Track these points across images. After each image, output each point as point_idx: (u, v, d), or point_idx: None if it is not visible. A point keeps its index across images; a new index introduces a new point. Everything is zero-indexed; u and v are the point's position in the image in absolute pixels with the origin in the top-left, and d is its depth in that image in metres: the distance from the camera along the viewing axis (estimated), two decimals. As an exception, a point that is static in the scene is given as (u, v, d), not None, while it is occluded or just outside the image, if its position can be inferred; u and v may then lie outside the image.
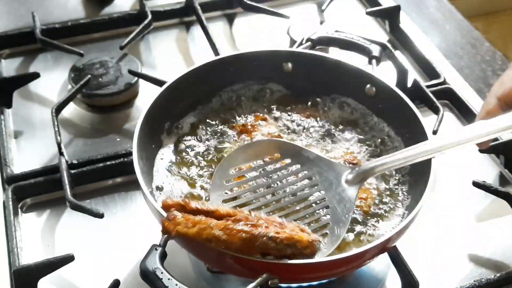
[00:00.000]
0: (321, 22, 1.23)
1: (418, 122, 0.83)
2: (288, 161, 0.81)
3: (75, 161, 0.92)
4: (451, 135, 0.77)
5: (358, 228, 0.77)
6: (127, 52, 1.12)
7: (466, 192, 0.91)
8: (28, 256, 0.83)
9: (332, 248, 0.74)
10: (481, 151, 0.95)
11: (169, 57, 1.16)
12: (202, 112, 0.92)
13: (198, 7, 1.19)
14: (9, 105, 1.03)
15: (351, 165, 0.83)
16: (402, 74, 1.03)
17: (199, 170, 0.84)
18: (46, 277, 0.77)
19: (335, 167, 0.80)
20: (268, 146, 0.83)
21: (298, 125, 0.91)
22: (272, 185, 0.80)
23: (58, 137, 0.93)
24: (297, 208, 0.78)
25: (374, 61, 0.95)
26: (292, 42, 1.14)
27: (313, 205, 0.78)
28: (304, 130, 0.90)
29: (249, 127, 0.89)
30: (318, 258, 0.72)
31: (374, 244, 0.70)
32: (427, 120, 0.86)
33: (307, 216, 0.77)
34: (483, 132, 0.75)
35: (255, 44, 1.17)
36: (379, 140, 0.89)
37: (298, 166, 0.81)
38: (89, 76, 1.05)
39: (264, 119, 0.91)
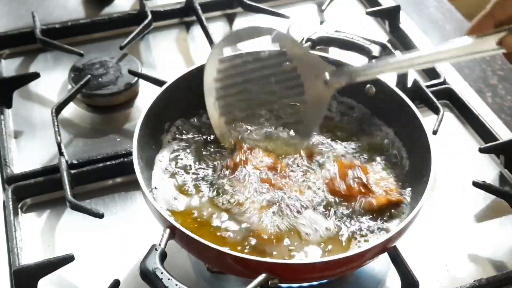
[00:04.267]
0: (321, 22, 1.23)
1: (418, 122, 0.83)
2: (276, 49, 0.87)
3: (75, 161, 0.92)
4: (438, 46, 0.79)
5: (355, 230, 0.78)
6: (127, 52, 1.12)
7: (466, 192, 0.91)
8: (28, 256, 0.83)
9: (304, 142, 0.84)
10: (481, 151, 0.95)
11: (169, 57, 1.16)
12: (201, 114, 0.92)
13: (198, 7, 1.19)
14: (9, 105, 1.03)
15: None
16: (402, 74, 1.03)
17: (198, 170, 0.84)
18: (46, 277, 0.77)
19: (319, 63, 0.84)
20: (253, 33, 0.87)
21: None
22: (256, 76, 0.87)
23: (58, 137, 0.93)
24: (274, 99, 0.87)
25: (374, 61, 0.95)
26: (292, 42, 1.13)
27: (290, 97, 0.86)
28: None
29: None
30: (318, 258, 0.72)
31: (374, 244, 0.70)
32: (427, 120, 0.86)
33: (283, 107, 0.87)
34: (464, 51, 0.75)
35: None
36: (379, 140, 0.89)
37: (284, 57, 0.86)
38: (89, 76, 1.05)
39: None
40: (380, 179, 0.82)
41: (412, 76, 1.04)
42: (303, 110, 0.86)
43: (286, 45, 0.86)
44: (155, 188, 0.81)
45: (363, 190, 0.79)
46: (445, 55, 0.77)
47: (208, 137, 0.88)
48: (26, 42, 1.15)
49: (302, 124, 0.86)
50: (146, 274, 0.65)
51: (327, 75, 0.83)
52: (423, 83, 1.03)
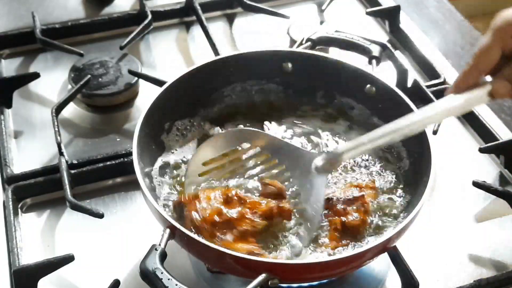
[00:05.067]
0: (321, 22, 1.23)
1: (418, 122, 0.82)
2: (258, 149, 0.83)
3: (75, 161, 0.92)
4: (426, 109, 0.75)
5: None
6: (127, 52, 1.12)
7: (466, 192, 0.91)
8: (28, 256, 0.83)
9: (307, 241, 0.76)
10: (481, 151, 0.95)
11: (169, 57, 1.16)
12: (201, 114, 0.92)
13: (198, 7, 1.19)
14: (9, 105, 1.03)
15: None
16: (402, 74, 1.03)
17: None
18: (46, 277, 0.77)
19: (304, 154, 0.81)
20: (237, 136, 0.84)
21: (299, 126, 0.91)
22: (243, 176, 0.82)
23: (58, 137, 0.93)
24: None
25: (374, 61, 0.95)
26: (292, 42, 1.14)
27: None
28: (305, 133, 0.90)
29: None
30: (318, 258, 0.72)
31: (374, 244, 0.70)
32: (427, 120, 0.86)
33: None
34: (459, 103, 0.72)
35: (255, 44, 1.17)
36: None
37: (268, 155, 0.83)
38: (89, 76, 1.05)
39: None
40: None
41: (412, 76, 1.04)
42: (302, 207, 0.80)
43: (262, 143, 0.83)
44: (157, 186, 0.81)
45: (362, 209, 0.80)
46: (434, 119, 0.76)
47: (208, 137, 0.89)
48: (26, 42, 1.15)
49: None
50: (146, 274, 0.65)
51: (317, 162, 0.79)
52: (423, 83, 1.03)
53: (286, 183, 0.81)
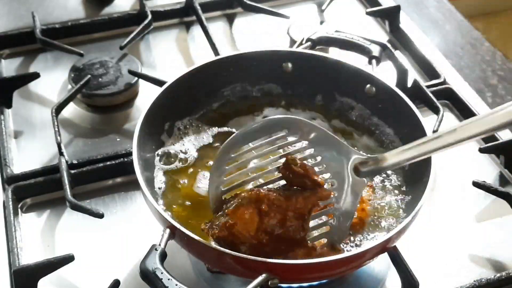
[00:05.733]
0: (321, 22, 1.23)
1: (418, 122, 0.83)
2: (293, 138, 0.77)
3: (75, 161, 0.92)
4: (473, 123, 0.67)
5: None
6: (127, 52, 1.12)
7: (466, 192, 0.91)
8: (28, 256, 0.83)
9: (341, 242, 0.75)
10: (481, 151, 0.95)
11: (169, 57, 1.16)
12: (201, 114, 0.92)
13: (198, 7, 1.19)
14: (9, 105, 1.03)
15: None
16: (402, 74, 1.03)
17: (197, 170, 0.84)
18: (46, 277, 0.77)
19: (345, 150, 0.76)
20: (274, 124, 0.77)
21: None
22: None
23: (58, 137, 0.93)
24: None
25: (374, 61, 0.95)
26: (292, 42, 1.14)
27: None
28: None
29: None
30: (318, 258, 0.72)
31: (374, 244, 0.70)
32: (427, 120, 0.86)
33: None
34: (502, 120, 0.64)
35: (255, 44, 1.17)
36: (379, 140, 0.89)
37: (305, 143, 0.77)
38: (89, 76, 1.05)
39: None
40: None
41: (412, 76, 1.04)
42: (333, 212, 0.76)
43: (300, 130, 0.77)
44: (159, 188, 0.81)
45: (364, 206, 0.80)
46: (495, 124, 0.64)
47: (209, 137, 0.89)
48: (26, 42, 1.15)
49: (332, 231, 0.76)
50: (146, 274, 0.65)
51: (358, 164, 0.74)
52: (423, 83, 1.03)
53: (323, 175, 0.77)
